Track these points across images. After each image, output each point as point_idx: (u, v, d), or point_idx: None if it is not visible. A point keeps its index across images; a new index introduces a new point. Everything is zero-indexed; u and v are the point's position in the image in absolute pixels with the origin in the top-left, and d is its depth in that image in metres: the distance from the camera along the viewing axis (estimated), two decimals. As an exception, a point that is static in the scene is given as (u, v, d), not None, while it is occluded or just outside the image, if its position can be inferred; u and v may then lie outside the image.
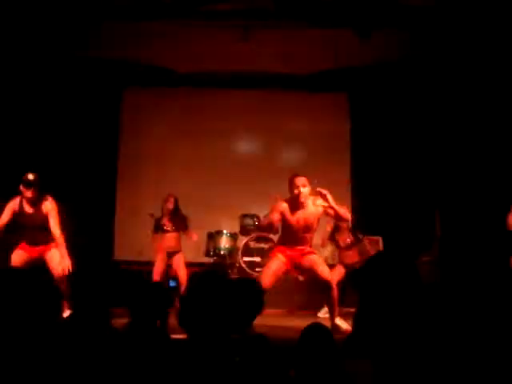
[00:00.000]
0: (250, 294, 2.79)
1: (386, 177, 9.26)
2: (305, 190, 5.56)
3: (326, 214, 5.70)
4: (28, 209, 5.93)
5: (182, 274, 7.17)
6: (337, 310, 5.74)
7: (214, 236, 8.51)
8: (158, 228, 7.28)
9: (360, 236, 7.69)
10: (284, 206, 5.65)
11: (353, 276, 7.07)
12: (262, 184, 9.08)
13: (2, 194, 6.19)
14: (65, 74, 8.89)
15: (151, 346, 2.60)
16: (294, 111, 9.66)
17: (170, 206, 7.22)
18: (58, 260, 5.86)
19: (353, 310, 6.27)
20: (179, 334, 2.65)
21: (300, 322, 3.10)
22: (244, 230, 8.76)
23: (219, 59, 8.76)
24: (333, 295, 5.64)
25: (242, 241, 8.64)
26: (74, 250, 6.24)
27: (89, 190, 9.05)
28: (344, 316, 5.72)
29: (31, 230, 5.94)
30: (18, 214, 5.90)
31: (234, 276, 7.94)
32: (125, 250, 9.31)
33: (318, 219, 5.73)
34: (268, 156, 9.87)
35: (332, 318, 5.70)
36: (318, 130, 9.80)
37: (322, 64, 8.94)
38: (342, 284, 7.20)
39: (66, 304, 4.99)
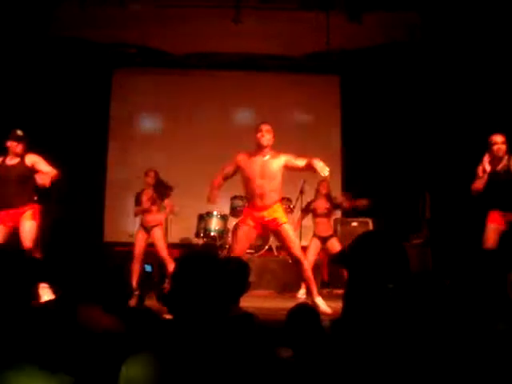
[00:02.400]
0: (235, 273, 2.80)
1: (377, 159, 9.27)
2: (267, 136, 5.34)
3: (288, 167, 5.35)
4: (10, 161, 5.64)
5: (161, 246, 6.90)
6: (314, 287, 5.43)
7: (204, 217, 8.49)
8: (137, 203, 7.10)
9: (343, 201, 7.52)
10: (241, 157, 5.42)
11: (340, 254, 6.96)
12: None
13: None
14: (59, 54, 8.91)
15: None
16: (285, 92, 9.62)
17: (150, 180, 7.03)
18: (29, 231, 5.49)
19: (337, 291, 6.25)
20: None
21: (288, 303, 3.11)
22: (234, 212, 8.69)
23: (211, 41, 8.72)
24: (304, 272, 5.35)
25: (232, 222, 8.64)
26: (63, 232, 6.23)
27: (79, 173, 9.01)
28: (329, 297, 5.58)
29: (9, 184, 5.56)
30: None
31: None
32: (116, 231, 9.31)
33: (281, 172, 5.36)
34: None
35: (311, 296, 5.39)
36: (309, 111, 9.78)
37: (314, 46, 8.90)
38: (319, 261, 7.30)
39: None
